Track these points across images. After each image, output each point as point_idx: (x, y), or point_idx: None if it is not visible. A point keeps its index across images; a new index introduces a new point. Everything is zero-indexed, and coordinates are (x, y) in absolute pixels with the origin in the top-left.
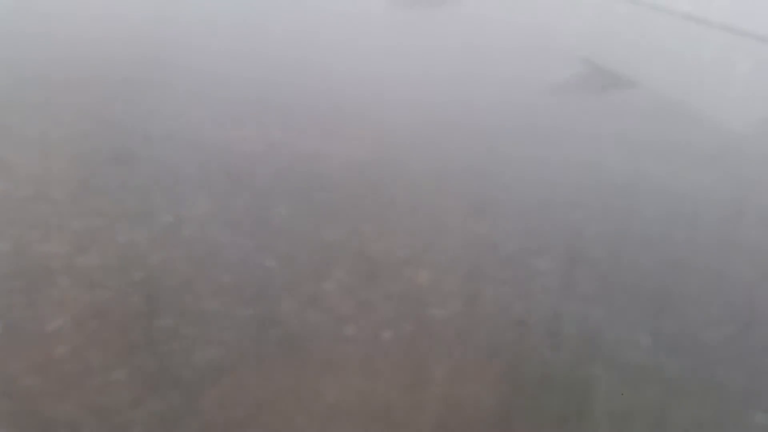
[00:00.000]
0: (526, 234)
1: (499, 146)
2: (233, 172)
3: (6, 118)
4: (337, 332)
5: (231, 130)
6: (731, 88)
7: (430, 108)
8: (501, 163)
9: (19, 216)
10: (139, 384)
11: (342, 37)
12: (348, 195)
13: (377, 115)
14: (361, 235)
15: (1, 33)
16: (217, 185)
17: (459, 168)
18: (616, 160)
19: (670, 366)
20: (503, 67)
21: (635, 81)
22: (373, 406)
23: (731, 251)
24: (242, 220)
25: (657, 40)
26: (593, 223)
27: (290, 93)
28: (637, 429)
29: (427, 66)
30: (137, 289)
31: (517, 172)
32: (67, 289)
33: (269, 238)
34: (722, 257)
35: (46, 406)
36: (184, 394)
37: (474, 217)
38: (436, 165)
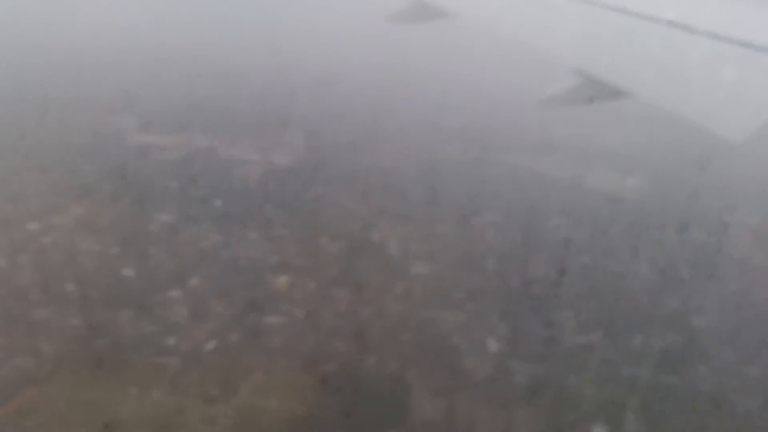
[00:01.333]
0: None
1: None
2: (133, 179)
3: None
4: (159, 343)
5: (154, 136)
6: (718, 95)
7: (390, 116)
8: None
9: None
10: None
11: (319, 49)
12: (246, 202)
13: (316, 126)
14: (239, 243)
15: None
16: (105, 191)
17: (379, 175)
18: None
19: (517, 373)
20: (488, 79)
21: (624, 90)
22: (163, 419)
23: (635, 257)
24: (115, 228)
25: (644, 49)
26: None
27: (232, 103)
28: None
29: (395, 77)
30: None
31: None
32: None
33: (137, 246)
34: (624, 262)
35: None
36: None
37: (375, 220)
38: (350, 170)
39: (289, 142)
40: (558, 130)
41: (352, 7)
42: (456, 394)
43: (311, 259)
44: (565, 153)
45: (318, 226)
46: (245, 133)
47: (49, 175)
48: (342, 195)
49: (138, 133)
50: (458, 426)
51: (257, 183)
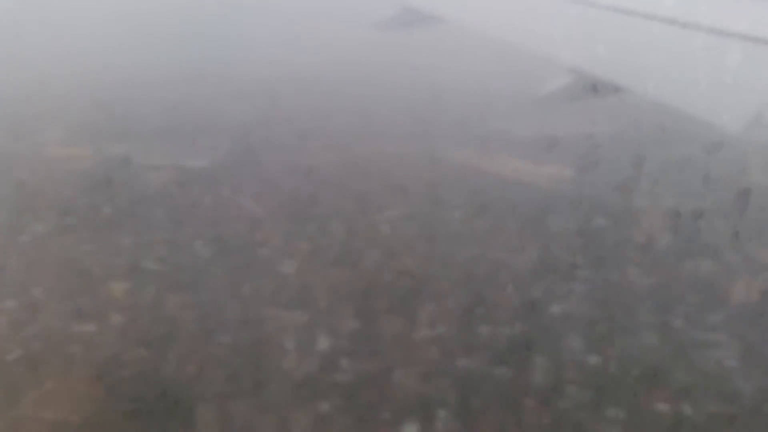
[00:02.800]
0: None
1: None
2: (29, 189)
3: None
4: None
5: (74, 148)
6: (712, 87)
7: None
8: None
9: None
10: None
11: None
12: (138, 208)
13: (249, 129)
14: (105, 250)
15: None
16: None
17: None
18: None
19: (343, 371)
20: (478, 78)
21: (621, 86)
22: None
23: (526, 246)
24: None
25: (640, 45)
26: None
27: (153, 111)
28: None
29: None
30: None
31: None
32: None
33: None
34: (513, 252)
35: None
36: None
37: (265, 222)
38: (265, 171)
39: (212, 146)
40: (521, 126)
41: (343, 13)
42: (245, 397)
43: (169, 265)
44: (518, 148)
45: (200, 230)
46: (164, 140)
47: None
48: (244, 197)
49: (59, 145)
50: (236, 428)
51: (158, 189)
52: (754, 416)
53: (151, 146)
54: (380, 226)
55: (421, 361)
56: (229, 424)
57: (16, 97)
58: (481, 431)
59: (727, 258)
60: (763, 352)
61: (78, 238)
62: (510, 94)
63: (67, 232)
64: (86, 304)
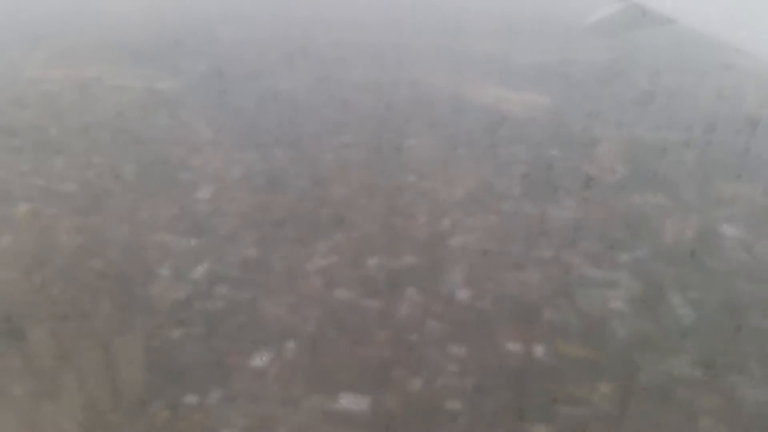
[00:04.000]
0: None
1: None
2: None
3: None
4: None
5: (52, 69)
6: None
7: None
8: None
9: None
10: None
11: None
12: (84, 131)
13: (231, 52)
14: (29, 172)
15: None
16: None
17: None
18: None
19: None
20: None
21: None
22: None
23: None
24: None
25: None
26: None
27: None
28: None
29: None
30: None
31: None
32: None
33: None
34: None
35: None
36: None
37: (200, 147)
38: (230, 96)
39: (191, 68)
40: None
41: None
42: (83, 321)
43: (87, 189)
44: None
45: (138, 154)
46: (146, 61)
47: None
48: (197, 121)
49: (37, 68)
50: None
51: (117, 110)
52: (612, 363)
53: (131, 68)
54: (325, 153)
55: (297, 292)
56: (55, 347)
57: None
58: (324, 364)
59: (681, 193)
60: (660, 295)
61: (16, 159)
62: (557, 20)
63: (7, 152)
64: None
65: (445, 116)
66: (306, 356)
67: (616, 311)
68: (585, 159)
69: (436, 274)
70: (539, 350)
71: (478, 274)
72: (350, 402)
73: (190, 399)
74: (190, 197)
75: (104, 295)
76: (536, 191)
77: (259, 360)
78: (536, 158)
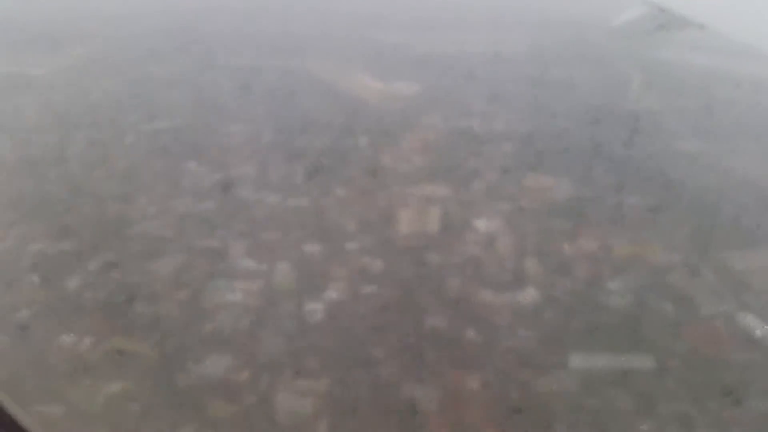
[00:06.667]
0: None
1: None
2: None
3: None
4: None
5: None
6: None
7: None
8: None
9: None
10: None
11: None
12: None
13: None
14: None
15: None
16: None
17: None
18: None
19: None
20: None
21: (696, 22)
22: None
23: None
24: None
25: None
26: None
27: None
28: None
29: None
30: None
31: None
32: None
33: None
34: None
35: None
36: None
37: None
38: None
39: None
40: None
41: None
42: None
43: None
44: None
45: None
46: None
47: None
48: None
49: None
50: None
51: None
52: None
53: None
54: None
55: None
56: None
57: None
58: None
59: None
60: None
61: None
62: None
63: None
64: None
65: (295, 104)
66: None
67: None
68: (387, 149)
69: None
70: None
71: None
72: None
73: None
74: None
75: None
76: (316, 178)
77: None
78: (338, 146)
